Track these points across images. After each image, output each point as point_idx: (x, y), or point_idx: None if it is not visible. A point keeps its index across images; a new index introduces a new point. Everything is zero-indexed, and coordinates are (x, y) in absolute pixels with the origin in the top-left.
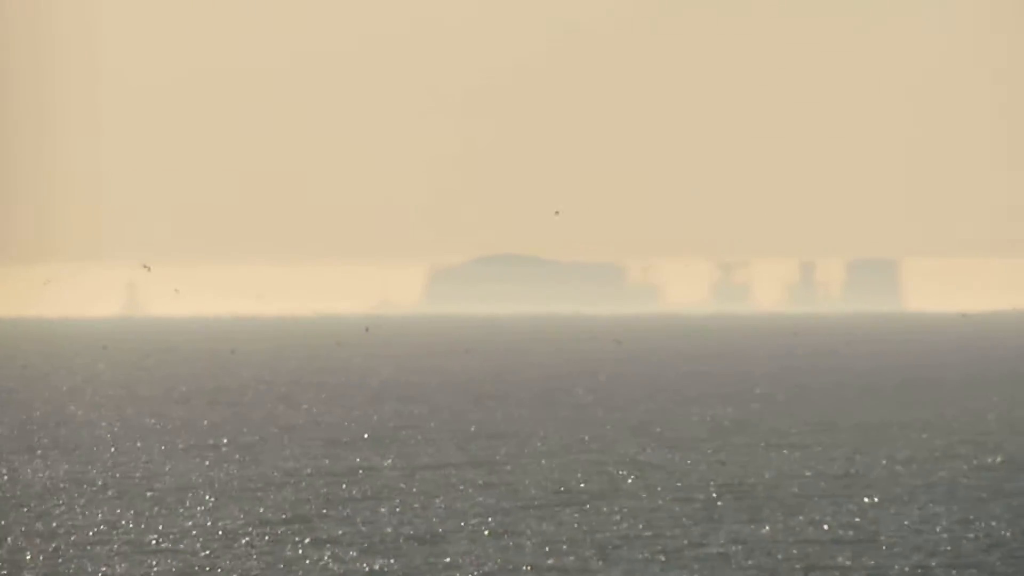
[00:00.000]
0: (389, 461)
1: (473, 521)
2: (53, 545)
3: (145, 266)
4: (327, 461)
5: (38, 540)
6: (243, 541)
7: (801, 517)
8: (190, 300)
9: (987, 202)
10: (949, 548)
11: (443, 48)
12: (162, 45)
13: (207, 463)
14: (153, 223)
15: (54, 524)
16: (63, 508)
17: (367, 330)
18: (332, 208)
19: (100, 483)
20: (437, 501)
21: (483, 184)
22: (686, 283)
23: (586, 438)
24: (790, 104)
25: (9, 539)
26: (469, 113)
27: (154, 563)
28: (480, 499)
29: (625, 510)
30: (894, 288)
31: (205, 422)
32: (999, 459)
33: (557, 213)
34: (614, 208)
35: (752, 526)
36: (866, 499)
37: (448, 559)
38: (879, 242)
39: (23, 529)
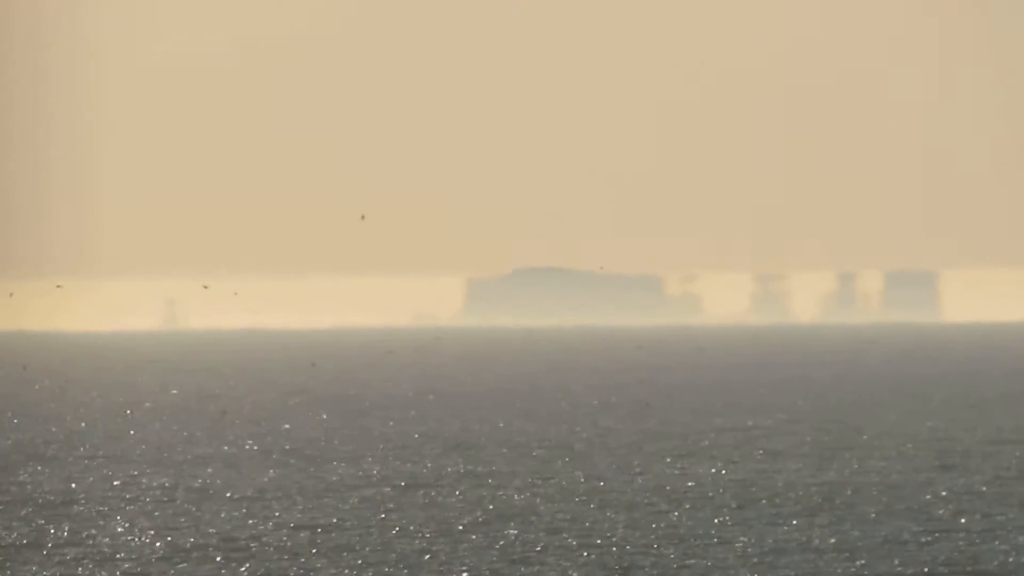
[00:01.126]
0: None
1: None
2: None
3: (204, 285)
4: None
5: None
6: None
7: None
8: (227, 314)
9: None
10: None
11: (478, 50)
12: (195, 53)
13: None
14: (192, 237)
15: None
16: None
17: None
18: (368, 220)
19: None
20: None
21: (522, 196)
22: (725, 295)
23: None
24: (828, 115)
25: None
26: (508, 124)
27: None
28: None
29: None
30: (933, 299)
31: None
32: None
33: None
34: (653, 220)
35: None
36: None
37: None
38: (918, 253)
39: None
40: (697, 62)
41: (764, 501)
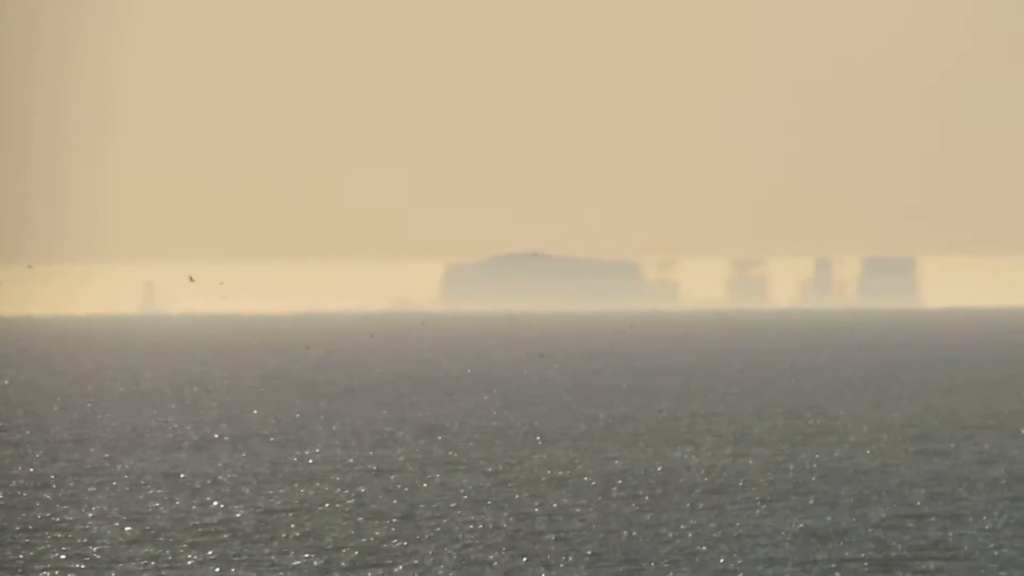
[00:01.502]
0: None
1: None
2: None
3: (190, 277)
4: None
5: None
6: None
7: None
8: (205, 299)
9: (1004, 199)
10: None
11: (452, 40)
12: (167, 40)
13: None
14: (164, 222)
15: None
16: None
17: (372, 335)
18: (346, 205)
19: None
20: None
21: (501, 182)
22: (702, 281)
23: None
24: (806, 100)
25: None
26: (487, 110)
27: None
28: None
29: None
30: (910, 286)
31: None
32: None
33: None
34: (631, 206)
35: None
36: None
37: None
38: (896, 239)
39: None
40: (673, 48)
41: (735, 486)
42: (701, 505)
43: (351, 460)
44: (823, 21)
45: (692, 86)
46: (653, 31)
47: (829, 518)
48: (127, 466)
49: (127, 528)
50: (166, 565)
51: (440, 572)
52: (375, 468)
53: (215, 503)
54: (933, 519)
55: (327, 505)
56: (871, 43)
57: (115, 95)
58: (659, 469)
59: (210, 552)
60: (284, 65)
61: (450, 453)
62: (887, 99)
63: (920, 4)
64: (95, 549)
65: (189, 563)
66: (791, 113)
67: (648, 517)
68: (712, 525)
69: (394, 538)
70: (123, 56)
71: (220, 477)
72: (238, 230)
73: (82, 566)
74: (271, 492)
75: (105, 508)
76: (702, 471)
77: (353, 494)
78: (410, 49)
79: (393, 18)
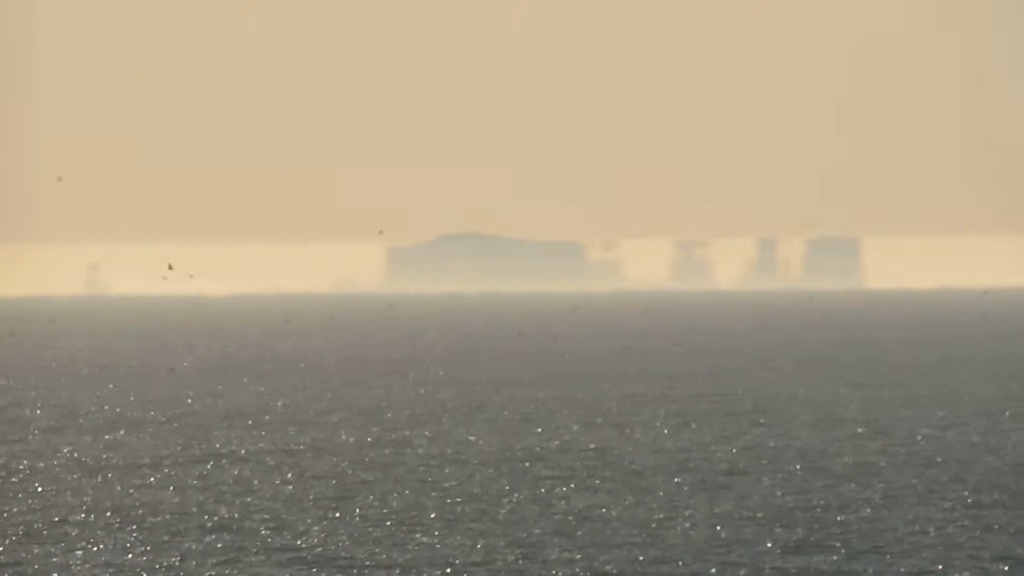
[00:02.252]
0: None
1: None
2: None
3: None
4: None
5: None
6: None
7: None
8: (148, 280)
9: (949, 180)
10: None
11: (397, 23)
12: (101, 16)
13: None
14: (107, 204)
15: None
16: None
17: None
18: (288, 186)
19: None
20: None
21: (443, 162)
22: (646, 262)
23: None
24: (748, 82)
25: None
26: (430, 91)
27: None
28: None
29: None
30: (855, 267)
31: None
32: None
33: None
34: (574, 186)
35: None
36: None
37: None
38: (840, 220)
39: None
40: (618, 31)
41: (670, 468)
42: (633, 487)
43: (274, 440)
44: (759, 1)
45: (636, 68)
46: (597, 12)
47: (761, 499)
48: (57, 449)
49: (53, 512)
50: (87, 546)
51: (325, 549)
52: (303, 449)
53: (140, 487)
54: (866, 503)
55: (252, 488)
56: (811, 22)
57: (55, 75)
58: (592, 447)
59: (134, 535)
60: (230, 46)
61: (385, 435)
62: (830, 80)
63: None
64: (41, 537)
65: (110, 544)
66: (735, 94)
67: (578, 499)
68: (644, 507)
69: (320, 520)
70: (58, 35)
71: (145, 460)
72: (180, 211)
73: (3, 546)
74: (195, 476)
75: (43, 494)
76: (634, 453)
77: (279, 477)
78: (354, 32)
79: (335, 2)
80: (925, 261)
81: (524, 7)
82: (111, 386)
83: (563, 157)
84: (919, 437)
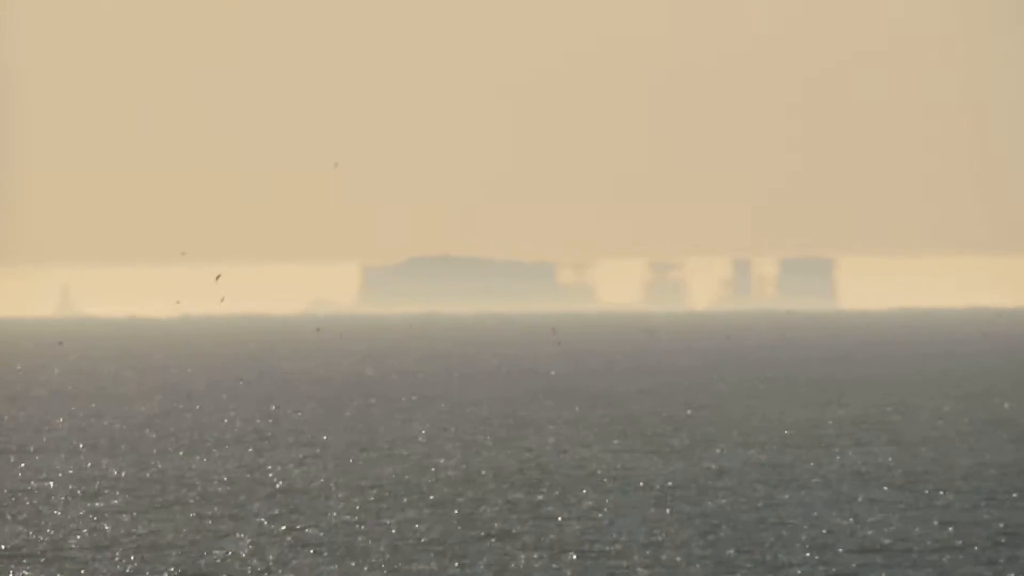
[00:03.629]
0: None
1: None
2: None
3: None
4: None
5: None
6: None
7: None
8: (121, 302)
9: (922, 200)
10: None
11: (371, 44)
12: (71, 44)
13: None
14: (79, 225)
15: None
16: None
17: (318, 330)
18: (262, 207)
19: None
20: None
21: (416, 184)
22: (619, 282)
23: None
24: (722, 103)
25: None
26: (403, 112)
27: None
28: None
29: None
30: (828, 287)
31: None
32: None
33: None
34: (547, 207)
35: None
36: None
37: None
38: (814, 241)
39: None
40: (584, 47)
41: (616, 492)
42: (559, 504)
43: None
44: (739, 19)
45: (609, 89)
46: (567, 32)
47: (714, 520)
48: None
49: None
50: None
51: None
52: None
53: (77, 515)
54: (823, 517)
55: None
56: (786, 40)
57: (23, 98)
58: (571, 465)
59: (56, 567)
60: (202, 68)
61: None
62: (804, 100)
63: (828, 3)
64: None
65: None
66: (708, 115)
67: (568, 512)
68: (580, 524)
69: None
70: (25, 56)
71: (81, 487)
72: (155, 233)
73: None
74: (118, 499)
75: None
76: (579, 474)
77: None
78: (327, 56)
79: (307, 20)
80: (898, 281)
81: (495, 30)
82: (74, 409)
83: (535, 177)
84: (868, 457)
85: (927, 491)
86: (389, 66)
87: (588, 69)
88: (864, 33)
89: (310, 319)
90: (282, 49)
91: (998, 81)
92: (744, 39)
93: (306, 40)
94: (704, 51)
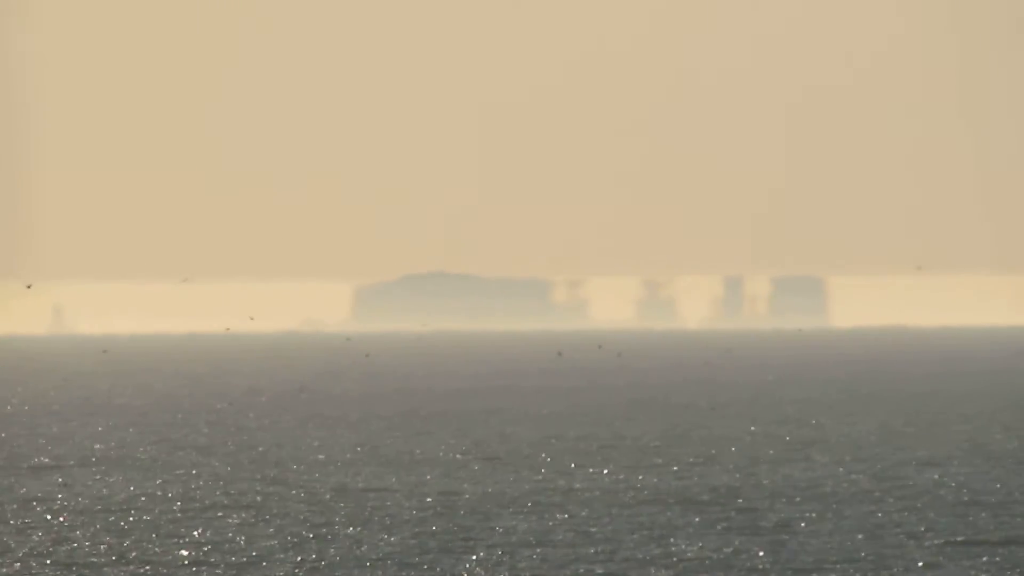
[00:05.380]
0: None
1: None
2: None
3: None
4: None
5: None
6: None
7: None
8: (115, 319)
9: (913, 219)
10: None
11: (359, 60)
12: (66, 54)
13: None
14: (72, 243)
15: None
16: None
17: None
18: (255, 225)
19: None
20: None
21: (410, 201)
22: (612, 300)
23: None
24: (714, 119)
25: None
26: (395, 128)
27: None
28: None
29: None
30: (820, 305)
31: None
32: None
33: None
34: (541, 224)
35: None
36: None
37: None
38: (806, 259)
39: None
40: (574, 62)
41: (583, 511)
42: (531, 525)
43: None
44: (732, 32)
45: (600, 106)
46: (559, 49)
47: (684, 544)
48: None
49: None
50: None
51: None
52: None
53: (50, 527)
54: (789, 535)
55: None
56: (778, 54)
57: (19, 116)
58: (562, 485)
59: None
60: (194, 84)
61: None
62: (796, 119)
63: (815, 20)
64: None
65: None
66: (700, 132)
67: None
68: (554, 540)
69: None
70: (22, 72)
71: (71, 505)
72: (147, 251)
73: None
74: (87, 517)
75: None
76: (551, 493)
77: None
78: (318, 72)
79: (300, 37)
80: (890, 299)
81: (488, 48)
82: (73, 424)
83: (529, 195)
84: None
85: (920, 505)
86: (381, 83)
87: (582, 88)
88: (856, 52)
89: (304, 337)
90: (273, 67)
91: (993, 102)
92: (737, 58)
93: (297, 57)
94: (697, 70)
